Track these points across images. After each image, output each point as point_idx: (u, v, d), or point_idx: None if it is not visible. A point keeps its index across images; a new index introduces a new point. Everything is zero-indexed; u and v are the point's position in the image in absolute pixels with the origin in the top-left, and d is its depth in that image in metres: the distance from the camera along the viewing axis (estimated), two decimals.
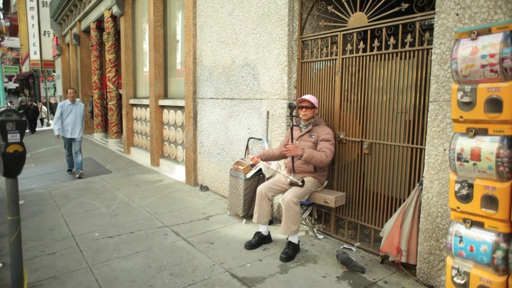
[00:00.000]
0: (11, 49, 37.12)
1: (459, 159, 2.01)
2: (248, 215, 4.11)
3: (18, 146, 2.43)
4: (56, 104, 24.03)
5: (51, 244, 3.65)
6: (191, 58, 5.65)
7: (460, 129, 2.03)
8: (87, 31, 12.14)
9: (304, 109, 3.47)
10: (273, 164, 4.00)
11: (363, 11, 3.32)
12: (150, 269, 3.08)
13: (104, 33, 9.75)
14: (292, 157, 3.33)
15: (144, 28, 8.22)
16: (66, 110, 6.56)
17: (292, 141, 3.40)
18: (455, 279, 2.07)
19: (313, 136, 3.46)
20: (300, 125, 3.58)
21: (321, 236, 3.71)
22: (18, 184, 2.55)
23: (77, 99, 7.00)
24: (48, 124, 19.82)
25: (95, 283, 2.86)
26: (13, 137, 2.42)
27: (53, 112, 20.79)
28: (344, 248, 3.42)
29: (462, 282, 2.03)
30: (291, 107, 3.27)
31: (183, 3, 6.07)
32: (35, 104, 19.25)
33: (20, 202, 4.27)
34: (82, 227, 4.07)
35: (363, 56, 3.34)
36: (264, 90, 4.30)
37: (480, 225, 1.97)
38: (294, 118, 3.33)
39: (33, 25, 20.53)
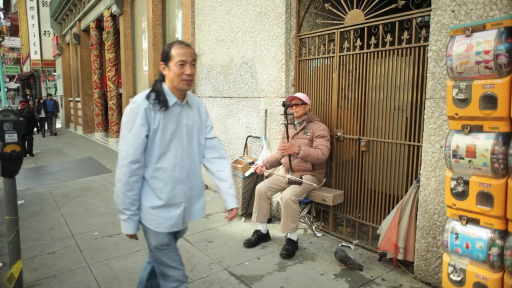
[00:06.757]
0: (12, 49, 37.16)
1: (454, 156, 2.00)
2: (246, 213, 4.11)
3: (16, 146, 2.44)
4: (57, 104, 15.52)
5: (51, 243, 3.67)
6: None
7: (455, 126, 2.03)
8: (87, 30, 12.15)
9: (294, 107, 3.48)
10: None
11: (359, 9, 3.31)
12: None
13: (104, 32, 9.75)
14: (289, 156, 3.33)
15: (143, 27, 8.22)
16: (163, 130, 1.79)
17: (287, 139, 3.40)
18: (451, 276, 2.07)
19: (308, 133, 3.46)
20: (295, 123, 3.58)
21: (319, 234, 3.71)
22: (19, 184, 2.56)
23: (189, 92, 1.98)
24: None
25: (94, 282, 2.88)
26: (11, 137, 2.43)
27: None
28: (342, 245, 3.42)
29: (459, 279, 2.03)
30: (284, 105, 3.27)
31: (181, 2, 6.06)
32: (39, 104, 14.08)
33: (20, 202, 4.27)
34: (82, 226, 4.09)
35: (360, 54, 3.33)
36: (262, 88, 4.30)
37: (476, 222, 1.97)
38: (288, 116, 3.34)
39: (33, 25, 20.59)
